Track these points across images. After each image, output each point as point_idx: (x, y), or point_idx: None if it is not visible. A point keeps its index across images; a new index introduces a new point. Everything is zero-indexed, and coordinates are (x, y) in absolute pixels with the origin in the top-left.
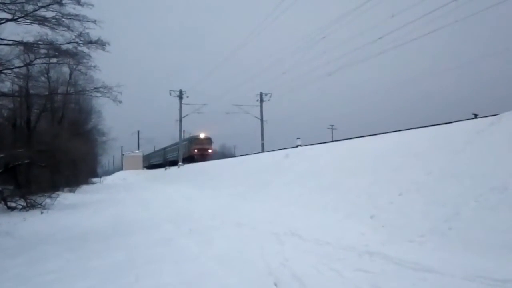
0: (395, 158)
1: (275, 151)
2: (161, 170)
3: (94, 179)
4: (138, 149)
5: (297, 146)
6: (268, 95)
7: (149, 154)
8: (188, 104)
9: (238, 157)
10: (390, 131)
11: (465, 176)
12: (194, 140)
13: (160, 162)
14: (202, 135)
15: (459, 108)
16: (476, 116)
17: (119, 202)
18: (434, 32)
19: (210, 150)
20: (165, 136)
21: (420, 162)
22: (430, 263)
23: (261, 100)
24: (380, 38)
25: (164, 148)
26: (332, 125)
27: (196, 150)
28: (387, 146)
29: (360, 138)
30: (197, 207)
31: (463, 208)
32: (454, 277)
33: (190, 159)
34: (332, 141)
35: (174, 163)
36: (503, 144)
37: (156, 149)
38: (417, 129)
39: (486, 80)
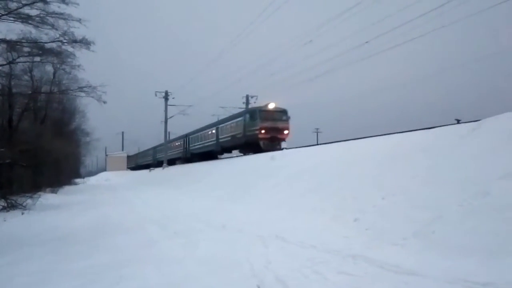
0: (380, 161)
1: (261, 154)
2: (145, 171)
3: (77, 180)
4: (123, 150)
5: (282, 149)
6: (254, 98)
7: (155, 148)
8: (174, 105)
9: (224, 159)
10: (374, 135)
11: (449, 181)
12: (260, 114)
13: (179, 155)
14: (271, 105)
15: (441, 113)
16: (458, 122)
17: (103, 204)
18: (421, 37)
19: (286, 132)
20: (150, 138)
21: (404, 166)
22: (413, 266)
23: (247, 103)
24: (367, 42)
25: (187, 135)
26: (317, 128)
27: (264, 131)
28: (372, 150)
29: (345, 142)
30: (182, 209)
31: (446, 212)
32: (437, 280)
33: (248, 147)
34: (318, 144)
35: (203, 156)
36: (485, 150)
37: (161, 142)
38: (401, 133)
39: (469, 85)
